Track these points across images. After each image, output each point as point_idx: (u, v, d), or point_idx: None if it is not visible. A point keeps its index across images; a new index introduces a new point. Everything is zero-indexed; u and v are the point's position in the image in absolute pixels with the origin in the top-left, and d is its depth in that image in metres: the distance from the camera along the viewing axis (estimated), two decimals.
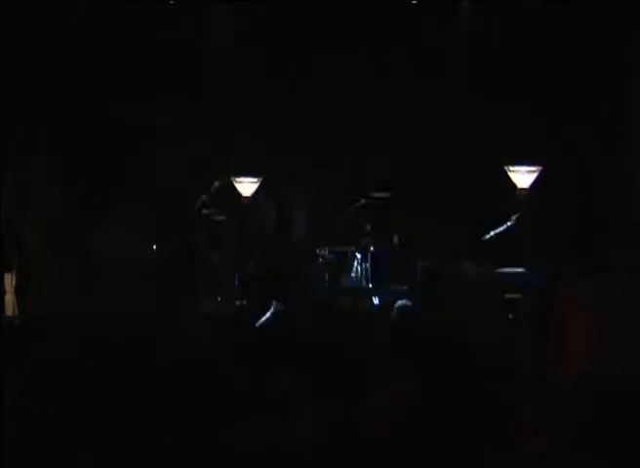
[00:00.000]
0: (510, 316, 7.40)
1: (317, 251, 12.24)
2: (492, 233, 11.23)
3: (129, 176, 12.81)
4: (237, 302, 11.62)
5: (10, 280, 11.52)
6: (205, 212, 12.55)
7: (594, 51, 12.52)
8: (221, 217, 12.63)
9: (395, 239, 12.14)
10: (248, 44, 13.04)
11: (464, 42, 12.92)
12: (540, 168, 11.89)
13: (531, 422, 4.49)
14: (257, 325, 7.48)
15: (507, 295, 9.61)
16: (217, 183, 12.54)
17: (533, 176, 11.93)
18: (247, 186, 12.71)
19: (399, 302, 7.57)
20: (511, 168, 11.93)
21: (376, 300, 11.42)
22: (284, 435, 4.60)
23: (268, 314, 7.65)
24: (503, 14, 12.70)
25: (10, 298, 11.45)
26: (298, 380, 5.16)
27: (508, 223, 11.20)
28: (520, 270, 10.61)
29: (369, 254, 12.00)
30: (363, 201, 12.21)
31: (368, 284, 11.96)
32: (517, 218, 11.25)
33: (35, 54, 12.49)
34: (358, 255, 12.10)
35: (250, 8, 12.94)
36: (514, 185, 11.86)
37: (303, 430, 4.69)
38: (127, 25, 12.89)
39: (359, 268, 12.03)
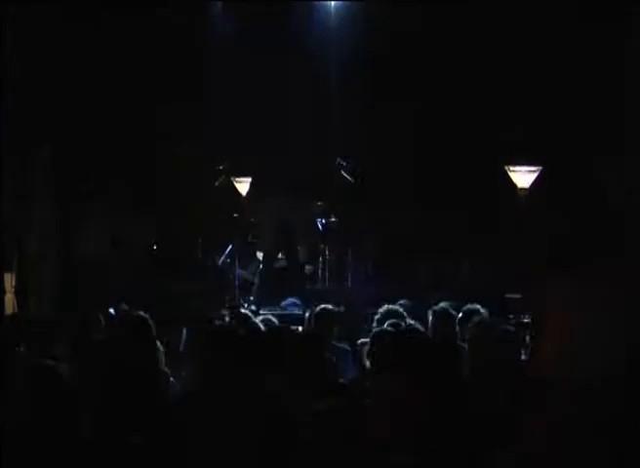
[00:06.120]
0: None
1: None
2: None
3: (129, 176, 12.81)
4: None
5: (10, 280, 11.50)
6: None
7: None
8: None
9: None
10: None
11: None
12: (539, 168, 11.90)
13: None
14: None
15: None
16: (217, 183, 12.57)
17: (533, 176, 11.93)
18: (247, 186, 12.70)
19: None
20: (511, 168, 11.94)
21: None
22: None
23: None
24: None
25: (10, 298, 11.42)
26: None
27: None
28: None
29: None
30: None
31: None
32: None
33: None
34: None
35: None
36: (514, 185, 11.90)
37: None
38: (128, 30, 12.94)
39: None
